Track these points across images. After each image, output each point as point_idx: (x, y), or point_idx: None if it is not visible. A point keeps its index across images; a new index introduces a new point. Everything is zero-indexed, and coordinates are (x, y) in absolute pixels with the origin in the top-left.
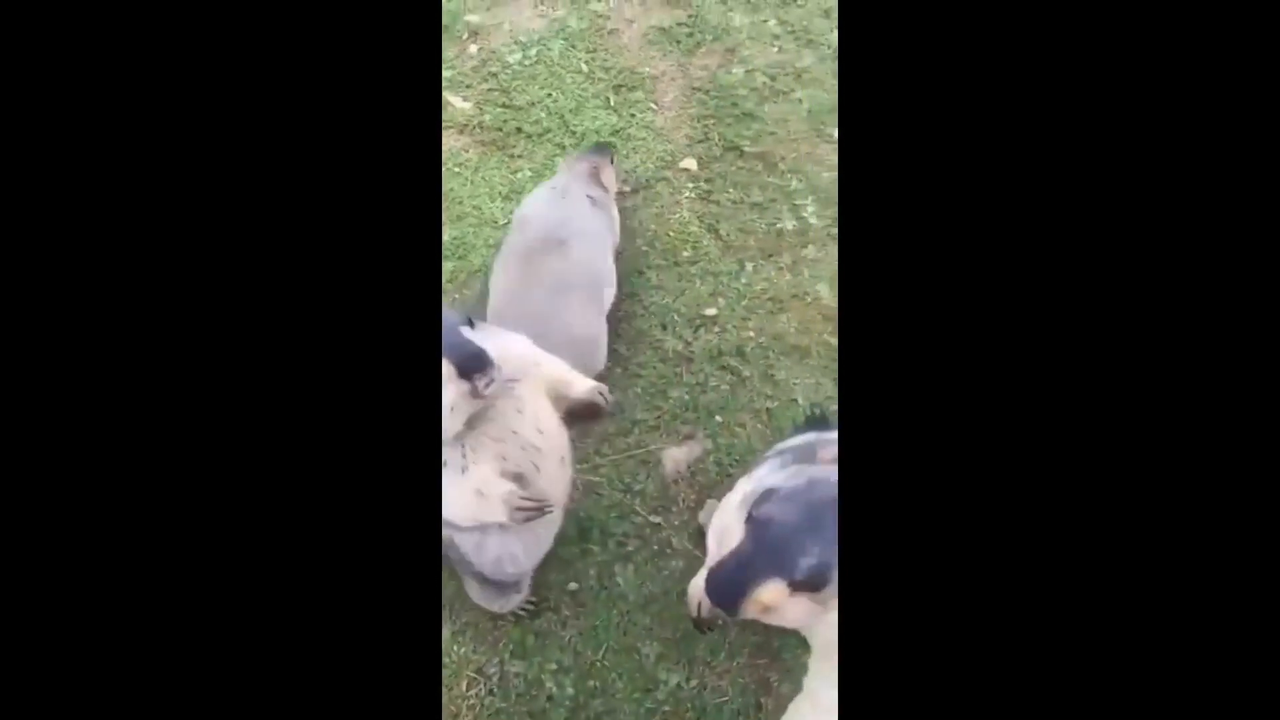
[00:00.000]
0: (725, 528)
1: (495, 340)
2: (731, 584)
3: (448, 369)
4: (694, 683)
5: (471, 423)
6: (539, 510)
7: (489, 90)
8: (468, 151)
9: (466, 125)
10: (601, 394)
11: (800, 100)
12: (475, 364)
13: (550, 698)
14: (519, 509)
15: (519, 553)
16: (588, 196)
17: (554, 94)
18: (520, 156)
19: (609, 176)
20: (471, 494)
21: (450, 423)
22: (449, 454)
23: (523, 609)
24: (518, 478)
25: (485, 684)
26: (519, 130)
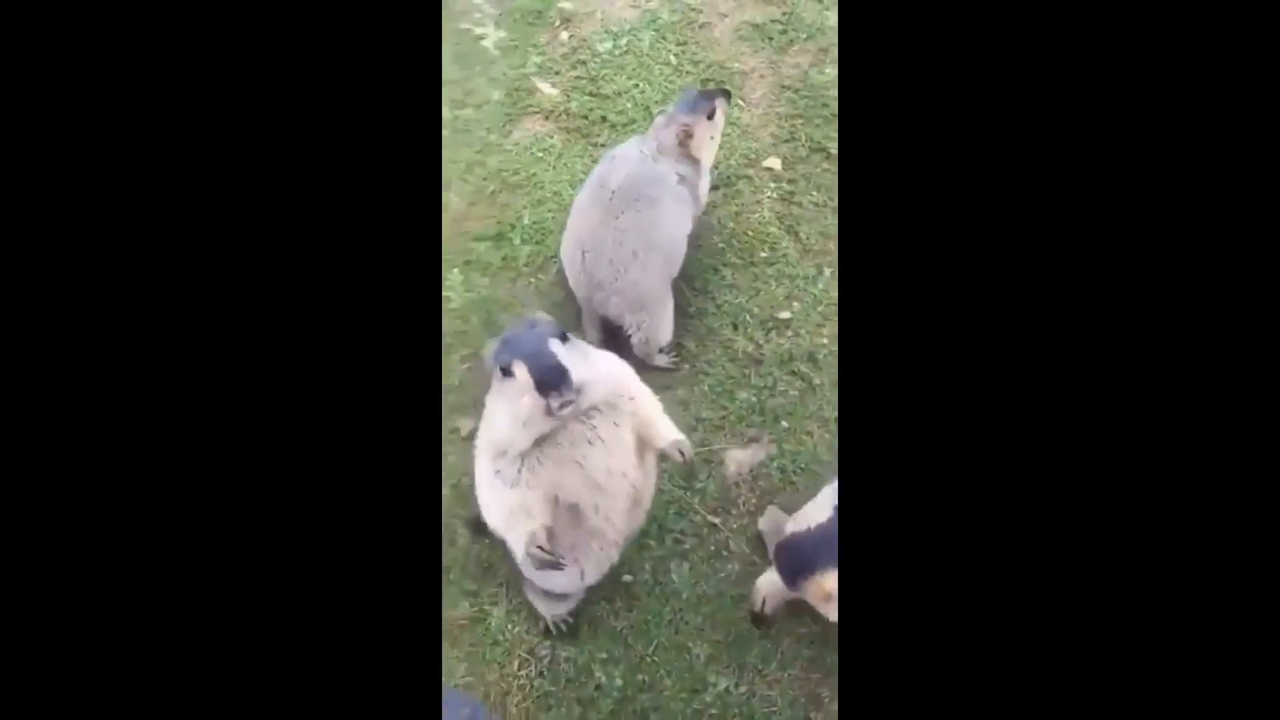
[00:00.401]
0: (816, 506)
1: (589, 362)
2: (804, 556)
3: (526, 379)
4: (743, 689)
5: (539, 441)
6: (553, 565)
7: (576, 78)
8: (552, 138)
9: (552, 111)
10: (681, 451)
11: None
12: (555, 379)
13: (599, 687)
14: (533, 555)
15: (560, 579)
16: (677, 174)
17: (641, 85)
18: (604, 145)
19: (704, 132)
20: (508, 509)
21: (519, 437)
22: (505, 466)
23: (560, 624)
24: (573, 509)
25: (536, 665)
26: (604, 119)
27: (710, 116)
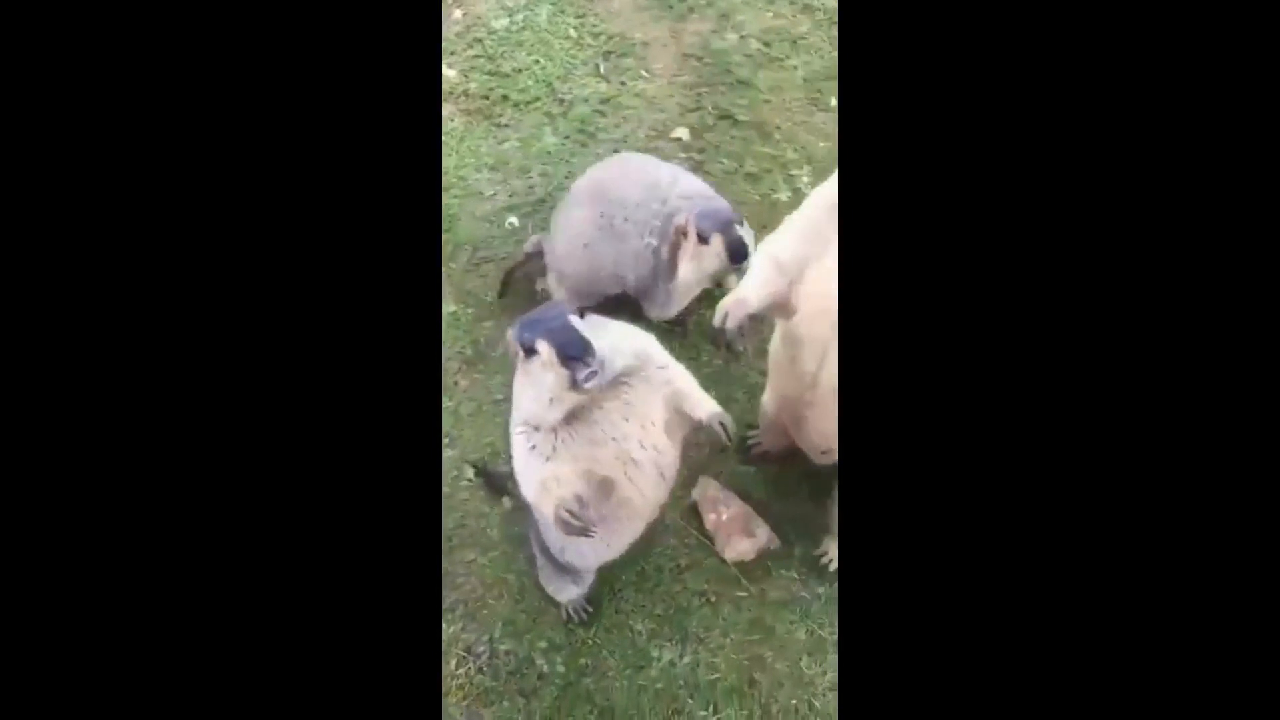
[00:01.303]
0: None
1: (609, 334)
2: None
3: (550, 355)
4: (687, 659)
5: (571, 418)
6: (582, 531)
7: (474, 57)
8: (453, 120)
9: (451, 93)
10: (723, 424)
11: (795, 68)
12: (576, 351)
13: (541, 676)
14: (562, 519)
15: (586, 551)
16: (650, 242)
17: (541, 60)
18: (507, 125)
19: (690, 253)
20: (538, 482)
21: (549, 413)
22: (541, 439)
23: (579, 613)
24: (604, 483)
25: (474, 662)
26: (505, 98)
27: (705, 240)
